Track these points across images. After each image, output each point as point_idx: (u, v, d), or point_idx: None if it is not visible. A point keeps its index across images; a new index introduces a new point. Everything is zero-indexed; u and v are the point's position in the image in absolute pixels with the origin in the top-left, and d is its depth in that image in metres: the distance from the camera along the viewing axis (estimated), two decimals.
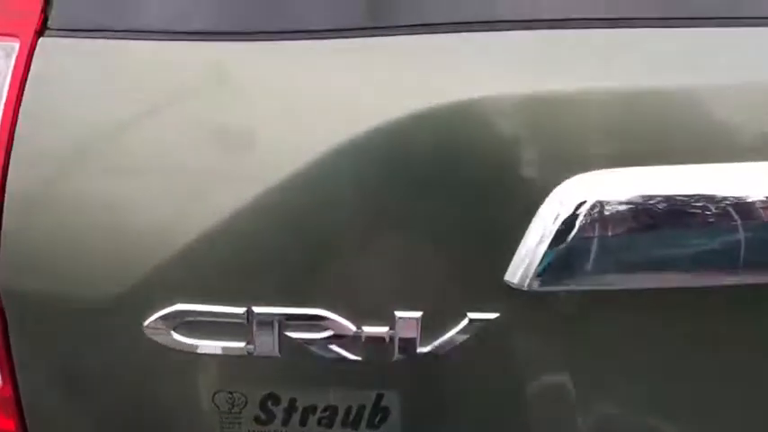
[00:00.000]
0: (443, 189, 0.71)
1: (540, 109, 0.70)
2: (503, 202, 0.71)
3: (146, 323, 0.77)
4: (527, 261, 0.74)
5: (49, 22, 0.75)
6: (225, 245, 0.71)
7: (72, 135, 0.71)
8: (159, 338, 0.78)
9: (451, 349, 0.75)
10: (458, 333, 0.75)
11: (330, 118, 0.70)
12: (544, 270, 0.71)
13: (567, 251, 0.69)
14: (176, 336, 0.78)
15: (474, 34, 0.71)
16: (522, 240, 0.71)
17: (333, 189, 0.71)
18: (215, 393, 0.82)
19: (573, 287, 0.72)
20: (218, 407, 0.82)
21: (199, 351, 0.79)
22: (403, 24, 0.71)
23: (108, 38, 0.73)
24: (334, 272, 0.74)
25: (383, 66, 0.71)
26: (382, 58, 0.71)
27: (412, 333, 0.75)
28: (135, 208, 0.72)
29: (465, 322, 0.74)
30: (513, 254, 0.71)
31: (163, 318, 0.78)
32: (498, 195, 0.71)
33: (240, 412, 0.83)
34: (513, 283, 0.72)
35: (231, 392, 0.82)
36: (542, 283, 0.72)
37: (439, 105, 0.69)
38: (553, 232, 0.72)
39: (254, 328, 0.77)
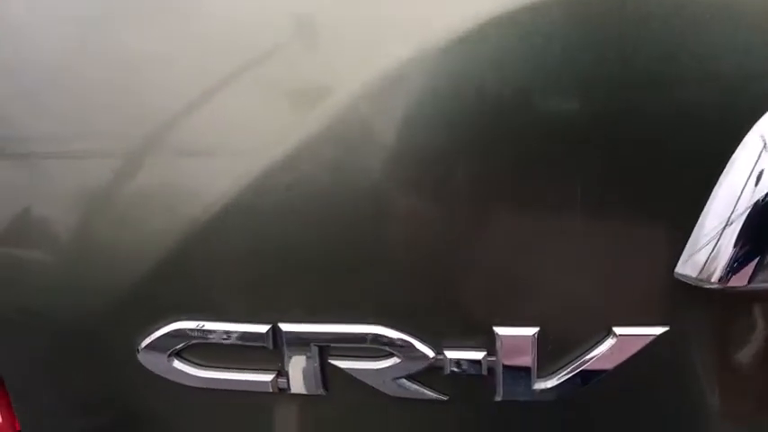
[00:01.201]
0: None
1: None
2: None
3: (141, 347, 0.56)
4: (716, 241, 0.44)
5: None
6: (237, 244, 0.52)
7: None
8: (156, 367, 0.56)
9: (588, 385, 0.51)
10: (598, 358, 0.49)
11: None
12: (748, 253, 0.42)
13: None
14: (178, 364, 0.54)
15: None
16: (705, 211, 0.46)
17: None
18: None
19: None
20: None
21: (209, 386, 0.54)
22: None
23: None
24: (399, 274, 0.51)
25: None
26: None
27: (524, 359, 0.49)
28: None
29: (610, 342, 0.47)
30: (688, 233, 0.46)
31: (160, 339, 0.54)
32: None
33: None
34: (690, 278, 0.45)
35: None
36: (740, 277, 0.45)
37: None
38: (763, 190, 0.42)
39: (285, 353, 0.51)
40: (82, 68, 0.53)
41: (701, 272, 0.46)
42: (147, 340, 0.55)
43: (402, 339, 0.51)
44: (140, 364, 0.56)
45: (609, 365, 0.50)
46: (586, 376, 0.50)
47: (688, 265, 0.46)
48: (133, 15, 0.51)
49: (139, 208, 0.54)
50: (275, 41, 0.49)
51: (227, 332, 0.54)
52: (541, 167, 0.47)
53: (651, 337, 0.48)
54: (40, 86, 0.54)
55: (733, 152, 0.45)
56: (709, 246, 0.45)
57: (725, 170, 0.45)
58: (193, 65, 0.51)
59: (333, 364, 0.53)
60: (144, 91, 0.52)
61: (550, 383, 0.51)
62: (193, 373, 0.56)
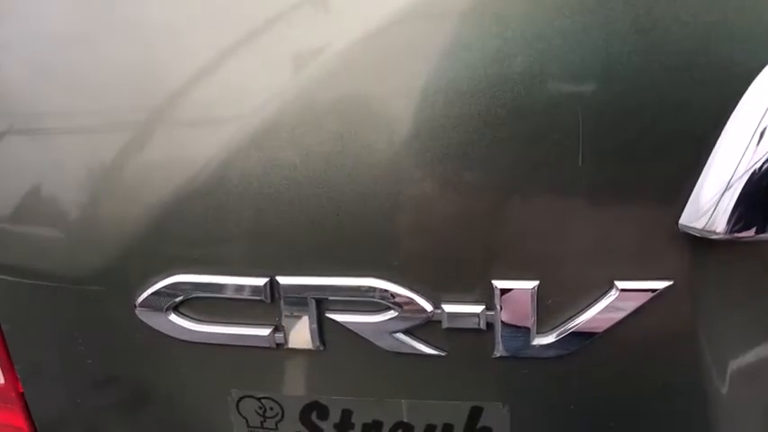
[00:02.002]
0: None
1: None
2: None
3: (138, 302, 0.56)
4: (722, 192, 0.42)
5: None
6: (233, 197, 0.51)
7: None
8: (155, 322, 0.55)
9: (588, 342, 0.49)
10: (600, 313, 0.47)
11: None
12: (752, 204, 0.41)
13: None
14: (175, 319, 0.54)
15: None
16: (709, 161, 0.45)
17: None
18: (239, 400, 0.57)
19: None
20: (245, 418, 0.58)
21: (208, 341, 0.54)
22: None
23: None
24: (397, 226, 0.50)
25: None
26: None
27: (523, 314, 0.47)
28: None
29: (612, 295, 0.45)
30: (692, 184, 0.45)
31: (156, 294, 0.54)
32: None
33: (275, 427, 0.58)
34: (695, 230, 0.43)
35: (260, 399, 0.57)
36: (746, 225, 0.43)
37: None
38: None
39: (282, 307, 0.51)
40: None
41: (707, 223, 0.44)
42: (144, 295, 0.55)
43: (399, 293, 0.50)
44: (138, 318, 0.56)
45: (611, 321, 0.48)
46: (587, 332, 0.49)
47: (693, 217, 0.45)
48: None
49: (136, 165, 0.53)
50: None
51: (223, 285, 0.53)
52: (541, 118, 0.45)
53: (655, 292, 0.47)
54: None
55: (737, 103, 0.43)
56: (716, 197, 0.44)
57: (728, 121, 0.43)
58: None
59: (330, 318, 0.52)
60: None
61: (551, 339, 0.50)
62: (191, 328, 0.55)
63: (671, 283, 0.47)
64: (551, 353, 0.50)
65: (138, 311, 0.56)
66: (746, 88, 0.43)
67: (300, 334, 0.53)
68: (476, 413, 0.54)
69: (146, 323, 0.56)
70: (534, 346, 0.50)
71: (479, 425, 0.54)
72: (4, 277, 0.59)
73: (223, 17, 0.49)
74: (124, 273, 0.56)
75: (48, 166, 0.55)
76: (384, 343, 0.52)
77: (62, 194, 0.56)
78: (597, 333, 0.49)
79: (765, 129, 0.42)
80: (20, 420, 0.67)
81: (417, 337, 0.52)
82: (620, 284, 0.47)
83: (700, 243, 0.45)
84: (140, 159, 0.53)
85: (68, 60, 0.53)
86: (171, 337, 0.56)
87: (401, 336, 0.51)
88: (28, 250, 0.58)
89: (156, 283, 0.55)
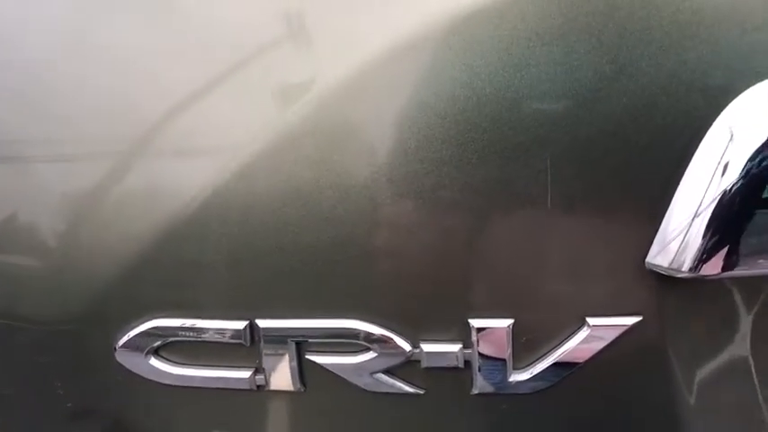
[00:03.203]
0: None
1: None
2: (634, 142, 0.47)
3: (118, 345, 0.56)
4: (686, 231, 0.44)
5: None
6: (213, 241, 0.52)
7: None
8: (135, 365, 0.56)
9: (565, 376, 0.51)
10: (574, 348, 0.50)
11: None
12: (716, 241, 0.42)
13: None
14: (155, 362, 0.54)
15: None
16: (673, 202, 0.47)
17: None
18: None
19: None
20: None
21: (189, 384, 0.54)
22: None
23: None
24: (374, 268, 0.51)
25: None
26: None
27: (500, 351, 0.49)
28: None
29: (583, 332, 0.47)
30: (657, 222, 0.47)
31: (137, 337, 0.54)
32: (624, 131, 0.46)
33: None
34: (661, 268, 0.45)
35: None
36: (710, 266, 0.45)
37: None
38: (730, 179, 0.42)
39: (263, 350, 0.52)
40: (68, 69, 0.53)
41: (672, 261, 0.46)
42: (125, 338, 0.55)
43: (379, 333, 0.51)
44: (118, 362, 0.56)
45: (584, 356, 0.50)
46: (562, 367, 0.50)
47: (659, 255, 0.47)
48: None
49: (116, 207, 0.53)
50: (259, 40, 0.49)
51: (203, 329, 0.53)
52: (511, 161, 0.47)
53: (625, 327, 0.49)
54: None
55: (700, 142, 0.45)
56: (680, 236, 0.45)
57: (692, 159, 0.45)
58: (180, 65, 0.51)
59: (310, 360, 0.53)
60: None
61: (527, 375, 0.51)
62: (171, 371, 0.55)
63: (640, 318, 0.49)
64: (528, 388, 0.51)
65: (117, 354, 0.55)
66: (711, 124, 0.45)
67: (281, 376, 0.53)
68: None
69: (125, 366, 0.56)
70: (511, 382, 0.51)
71: None
72: None
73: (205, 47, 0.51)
74: (103, 315, 0.56)
75: (24, 199, 0.56)
76: (364, 383, 0.52)
77: (40, 230, 0.55)
78: (573, 367, 0.50)
79: (728, 163, 0.44)
80: None
81: (397, 377, 0.52)
82: (592, 321, 0.49)
83: (667, 279, 0.47)
84: (118, 197, 0.53)
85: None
86: (151, 380, 0.56)
87: (381, 376, 0.52)
88: (3, 290, 0.58)
89: (136, 326, 0.55)
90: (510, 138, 0.47)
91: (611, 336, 0.49)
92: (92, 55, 0.53)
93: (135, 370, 0.56)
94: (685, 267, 0.45)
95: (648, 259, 0.47)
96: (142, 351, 0.55)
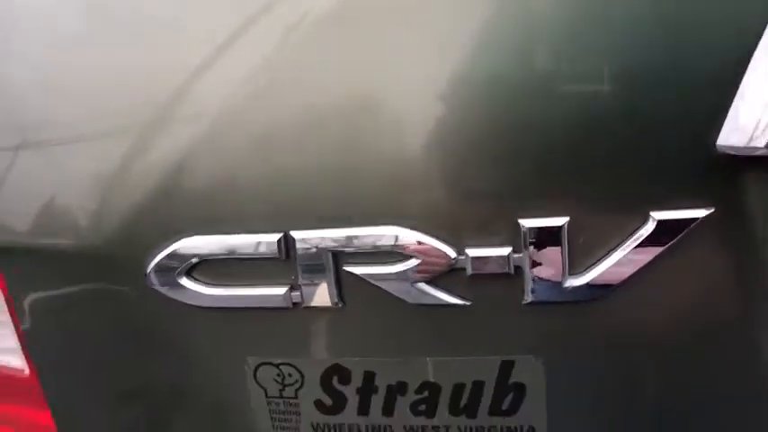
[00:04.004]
0: None
1: None
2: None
3: (149, 267, 0.54)
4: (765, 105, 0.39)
5: None
6: (245, 152, 0.50)
7: None
8: (167, 290, 0.53)
9: (626, 281, 0.46)
10: (635, 249, 0.43)
11: None
12: None
13: None
14: (188, 283, 0.52)
15: None
16: (747, 76, 0.41)
17: None
18: (256, 368, 0.54)
19: None
20: (263, 388, 0.55)
21: (222, 305, 0.52)
22: None
23: None
24: (412, 167, 0.47)
25: None
26: None
27: (553, 254, 0.44)
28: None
29: (649, 227, 0.41)
30: (728, 101, 0.41)
31: (167, 258, 0.52)
32: None
33: (295, 395, 0.55)
34: (736, 149, 0.42)
35: (278, 366, 0.54)
36: None
37: None
38: None
39: (298, 264, 0.49)
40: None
41: (750, 139, 0.41)
42: (156, 260, 0.53)
43: (420, 240, 0.47)
44: (150, 285, 0.54)
45: (648, 257, 0.45)
46: (623, 270, 0.45)
47: (733, 135, 0.41)
48: None
49: (146, 127, 0.51)
50: None
51: (236, 245, 0.51)
52: (568, 46, 0.43)
53: (694, 221, 0.44)
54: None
55: None
56: (758, 109, 0.40)
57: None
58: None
59: (348, 272, 0.49)
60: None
61: (584, 280, 0.46)
62: (203, 292, 0.53)
63: (711, 210, 0.44)
64: (586, 295, 0.46)
65: (149, 277, 0.53)
66: None
67: (318, 291, 0.50)
68: (507, 368, 0.50)
69: (158, 290, 0.54)
70: (567, 288, 0.46)
71: (511, 380, 0.50)
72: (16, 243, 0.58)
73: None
74: (132, 241, 0.54)
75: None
76: (405, 295, 0.49)
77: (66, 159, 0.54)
78: (634, 271, 0.45)
79: None
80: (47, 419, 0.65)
81: (441, 287, 0.48)
82: (656, 215, 0.44)
83: (740, 164, 0.42)
84: (147, 118, 0.51)
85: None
86: (183, 303, 0.54)
87: (423, 286, 0.48)
88: (36, 226, 0.56)
89: (166, 247, 0.52)
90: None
91: (679, 232, 0.44)
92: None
93: (167, 293, 0.54)
94: (763, 143, 0.40)
95: (720, 141, 0.42)
96: (173, 272, 0.53)
